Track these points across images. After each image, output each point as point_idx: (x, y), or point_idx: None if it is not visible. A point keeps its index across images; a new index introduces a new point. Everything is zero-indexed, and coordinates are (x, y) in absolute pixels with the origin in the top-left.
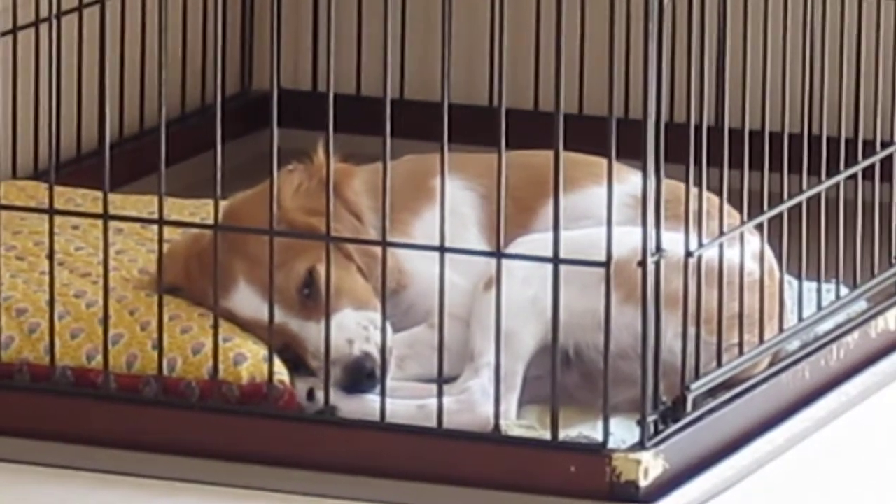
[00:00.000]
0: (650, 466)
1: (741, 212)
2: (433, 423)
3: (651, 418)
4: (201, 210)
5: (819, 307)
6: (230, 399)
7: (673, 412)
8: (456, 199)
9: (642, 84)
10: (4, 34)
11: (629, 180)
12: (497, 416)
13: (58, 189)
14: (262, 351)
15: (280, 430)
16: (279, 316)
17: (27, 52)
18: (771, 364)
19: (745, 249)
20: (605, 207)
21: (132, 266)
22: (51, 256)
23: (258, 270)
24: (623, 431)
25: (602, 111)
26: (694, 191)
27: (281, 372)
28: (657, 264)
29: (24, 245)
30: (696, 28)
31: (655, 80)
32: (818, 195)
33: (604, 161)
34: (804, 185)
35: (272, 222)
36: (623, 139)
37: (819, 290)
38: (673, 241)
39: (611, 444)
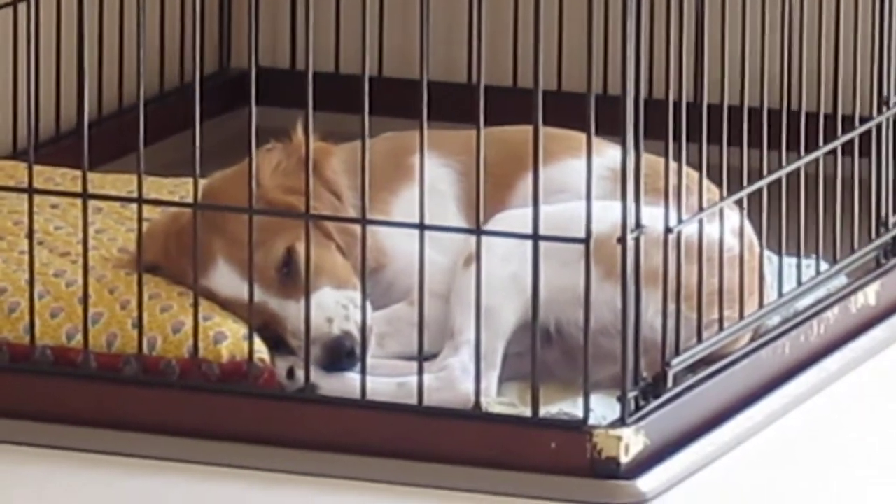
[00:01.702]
0: (631, 443)
1: (721, 187)
2: (413, 401)
3: (632, 395)
4: (180, 189)
5: (799, 283)
6: (210, 378)
7: (653, 388)
8: (434, 177)
9: (621, 60)
10: None
11: (607, 153)
12: (477, 393)
13: (37, 168)
14: (242, 329)
15: (260, 408)
16: (258, 295)
17: (5, 31)
18: (751, 340)
19: (724, 225)
20: (582, 180)
21: (112, 245)
22: (30, 236)
23: (237, 249)
24: (604, 408)
25: (581, 87)
26: (673, 166)
27: (261, 350)
28: (637, 240)
29: (3, 224)
30: (674, 3)
31: (634, 56)
32: (798, 171)
33: (580, 134)
34: (784, 161)
35: (251, 201)
36: (602, 115)
37: (799, 266)
38: (653, 217)
39: (591, 421)
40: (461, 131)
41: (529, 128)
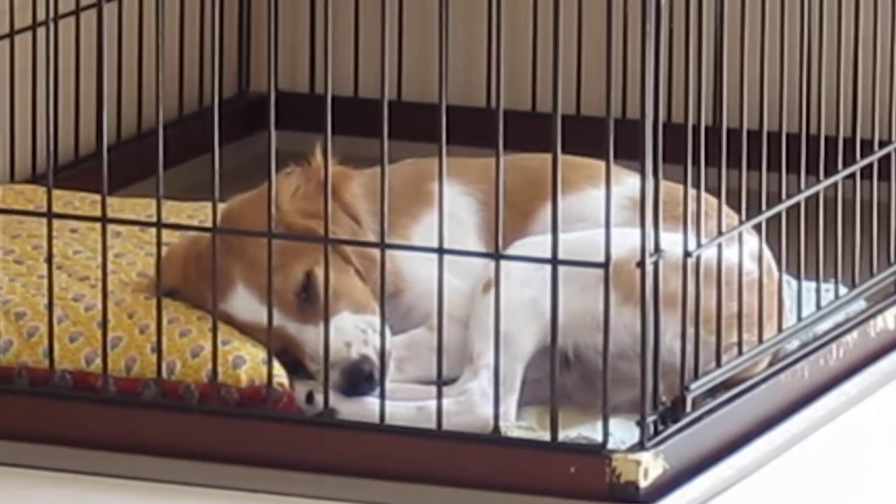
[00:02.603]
0: (650, 467)
1: (739, 212)
2: (433, 425)
3: (650, 419)
4: (199, 213)
5: (818, 307)
6: (229, 402)
7: (672, 412)
8: (454, 204)
9: (640, 84)
10: (2, 38)
11: (626, 182)
12: (496, 417)
13: (56, 192)
14: (261, 354)
15: (279, 432)
16: (277, 319)
17: (25, 55)
18: (770, 364)
19: (743, 249)
20: (601, 210)
21: (131, 269)
22: (49, 260)
23: (256, 273)
24: (623, 432)
25: (600, 112)
26: (692, 191)
27: (280, 375)
28: (656, 265)
29: (22, 249)
30: (693, 28)
31: (653, 81)
32: (816, 195)
33: (600, 163)
34: (802, 185)
35: (270, 225)
36: (621, 140)
37: (818, 290)
38: (671, 242)
39: (610, 445)
40: (482, 159)
41: (548, 156)
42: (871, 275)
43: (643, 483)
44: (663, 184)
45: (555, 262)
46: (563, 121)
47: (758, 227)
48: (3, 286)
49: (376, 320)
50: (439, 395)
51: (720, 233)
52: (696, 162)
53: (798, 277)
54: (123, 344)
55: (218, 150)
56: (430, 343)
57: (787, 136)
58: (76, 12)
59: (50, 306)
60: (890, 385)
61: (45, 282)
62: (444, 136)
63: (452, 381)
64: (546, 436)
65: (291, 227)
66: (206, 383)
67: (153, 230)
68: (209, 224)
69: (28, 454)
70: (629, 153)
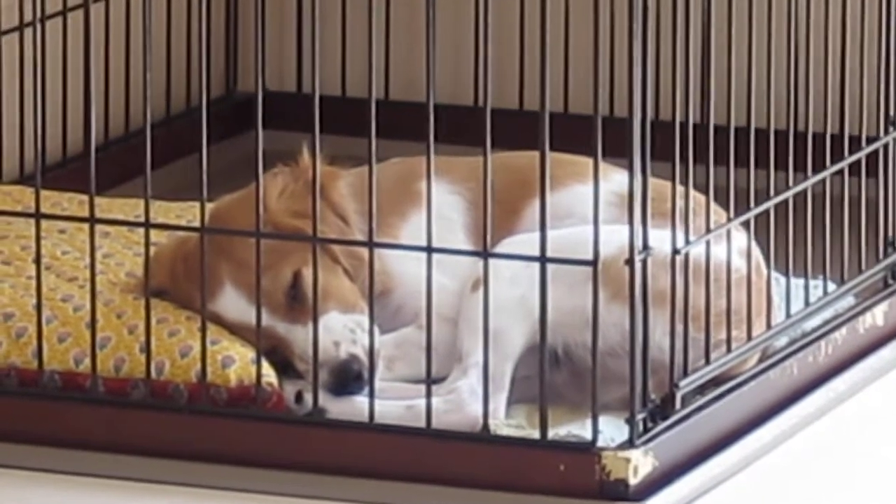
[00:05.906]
0: (640, 464)
1: (727, 208)
2: (422, 424)
3: (640, 416)
4: (187, 213)
5: (807, 303)
6: (218, 402)
7: (662, 410)
8: (442, 204)
9: (627, 82)
10: None
11: (613, 179)
12: (486, 415)
13: (44, 193)
14: (250, 353)
15: (268, 432)
16: (266, 319)
17: (12, 56)
18: (759, 361)
19: (731, 246)
20: (589, 206)
21: (119, 269)
22: (37, 261)
23: (244, 273)
24: (612, 430)
25: (587, 109)
26: (680, 188)
27: (269, 374)
28: (644, 262)
29: (10, 250)
30: (680, 25)
31: (641, 78)
32: (805, 191)
33: (587, 160)
34: (790, 182)
35: (258, 225)
36: (608, 137)
37: (806, 287)
38: (659, 239)
39: (600, 443)
40: (469, 158)
41: (535, 153)
42: (860, 271)
43: (633, 480)
44: (651, 181)
45: (543, 259)
46: (551, 119)
47: (746, 224)
48: None
49: (365, 319)
50: (428, 394)
51: (708, 230)
52: (683, 159)
53: (786, 274)
54: (112, 344)
55: (206, 150)
56: (420, 342)
57: (776, 132)
58: (63, 13)
59: (38, 307)
60: (879, 381)
61: (34, 283)
62: (432, 134)
63: (442, 379)
64: (535, 434)
65: (279, 227)
66: (196, 383)
67: (141, 230)
68: (197, 224)
69: (17, 455)
70: (617, 151)
